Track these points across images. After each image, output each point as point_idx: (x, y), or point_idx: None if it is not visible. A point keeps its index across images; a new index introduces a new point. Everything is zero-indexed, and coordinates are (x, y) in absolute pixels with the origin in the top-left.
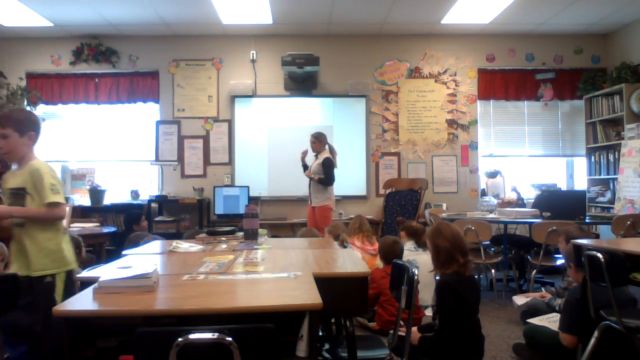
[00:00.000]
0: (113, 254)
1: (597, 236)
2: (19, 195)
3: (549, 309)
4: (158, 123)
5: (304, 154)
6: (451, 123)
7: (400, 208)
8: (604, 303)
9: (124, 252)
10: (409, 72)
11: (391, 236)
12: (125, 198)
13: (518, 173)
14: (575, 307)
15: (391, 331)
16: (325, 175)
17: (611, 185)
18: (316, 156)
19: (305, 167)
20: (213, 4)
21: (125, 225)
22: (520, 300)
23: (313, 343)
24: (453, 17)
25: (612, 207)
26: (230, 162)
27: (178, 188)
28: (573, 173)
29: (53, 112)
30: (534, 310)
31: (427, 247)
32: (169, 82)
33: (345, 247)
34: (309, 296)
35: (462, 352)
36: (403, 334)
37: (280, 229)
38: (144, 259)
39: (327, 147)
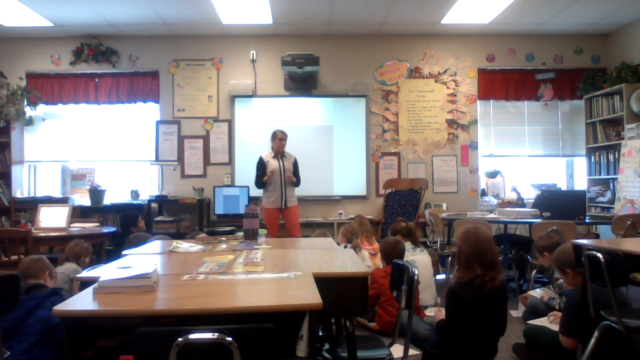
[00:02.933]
0: (113, 254)
1: (597, 236)
2: None
3: (548, 308)
4: (158, 123)
5: (272, 173)
6: (451, 123)
7: (400, 208)
8: (603, 303)
9: (124, 252)
10: (409, 72)
11: (393, 236)
12: (125, 198)
13: (518, 173)
14: (575, 310)
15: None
16: (298, 177)
17: (611, 185)
18: (282, 158)
19: (262, 183)
20: (213, 4)
21: (122, 226)
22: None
23: (313, 343)
24: (453, 17)
25: (612, 207)
26: (230, 162)
27: (178, 188)
28: (573, 173)
29: (53, 112)
30: (533, 309)
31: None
32: (169, 82)
33: (345, 246)
34: (309, 296)
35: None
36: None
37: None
38: (143, 259)
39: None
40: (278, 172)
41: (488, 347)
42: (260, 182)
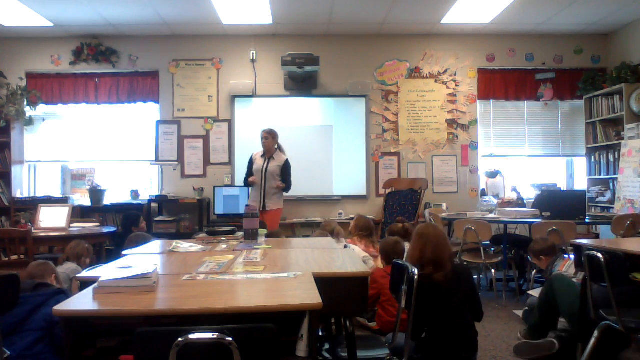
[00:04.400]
0: (113, 254)
1: (597, 236)
2: None
3: None
4: (158, 123)
5: (254, 180)
6: (451, 123)
7: (400, 208)
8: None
9: (124, 252)
10: (409, 72)
11: (393, 237)
12: (125, 198)
13: (518, 173)
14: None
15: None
16: (287, 181)
17: (611, 185)
18: (270, 158)
19: (247, 183)
20: (213, 4)
21: (123, 227)
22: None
23: (313, 343)
24: (453, 17)
25: (612, 207)
26: (230, 162)
27: (178, 188)
28: (573, 173)
29: (53, 112)
30: (534, 309)
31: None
32: (169, 82)
33: (346, 247)
34: (309, 296)
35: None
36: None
37: (279, 229)
38: (144, 259)
39: (278, 146)
40: (259, 173)
41: (452, 333)
42: (245, 181)
